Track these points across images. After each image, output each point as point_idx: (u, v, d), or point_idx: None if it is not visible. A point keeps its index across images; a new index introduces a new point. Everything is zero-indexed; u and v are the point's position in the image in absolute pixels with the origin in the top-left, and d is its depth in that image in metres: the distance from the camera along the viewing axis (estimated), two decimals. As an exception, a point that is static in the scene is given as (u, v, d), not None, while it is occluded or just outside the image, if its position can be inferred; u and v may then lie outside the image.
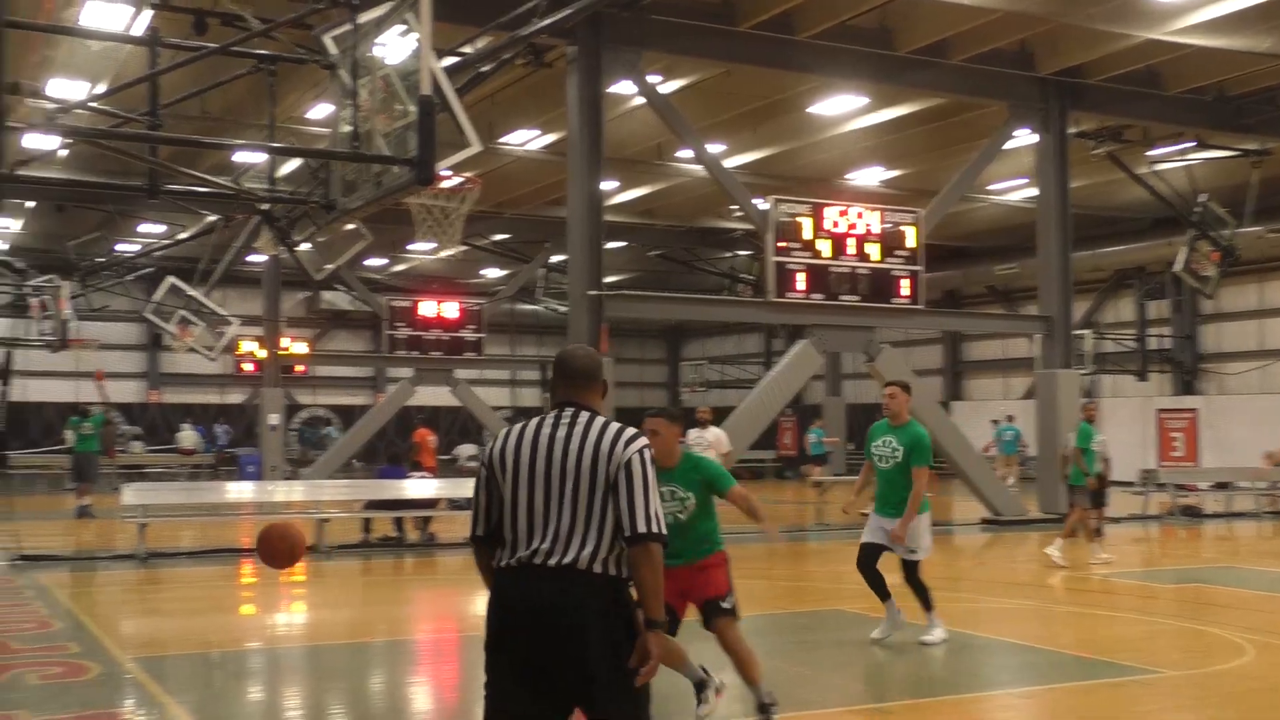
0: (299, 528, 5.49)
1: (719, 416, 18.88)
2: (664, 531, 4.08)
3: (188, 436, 36.59)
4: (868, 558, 9.52)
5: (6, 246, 33.21)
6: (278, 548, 5.38)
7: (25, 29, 12.52)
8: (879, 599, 9.58)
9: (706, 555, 6.91)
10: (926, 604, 9.52)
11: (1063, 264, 22.40)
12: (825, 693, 8.35)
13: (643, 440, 4.17)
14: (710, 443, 15.94)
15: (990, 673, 9.31)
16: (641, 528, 4.03)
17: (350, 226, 19.15)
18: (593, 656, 3.96)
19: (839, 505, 23.36)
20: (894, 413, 9.46)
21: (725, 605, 6.84)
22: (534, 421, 4.28)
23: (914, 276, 20.69)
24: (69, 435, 34.11)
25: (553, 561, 4.01)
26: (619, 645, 4.01)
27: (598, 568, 4.02)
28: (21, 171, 11.12)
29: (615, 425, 4.21)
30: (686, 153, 23.89)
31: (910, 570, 9.46)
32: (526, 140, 24.51)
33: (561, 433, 4.18)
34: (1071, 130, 22.41)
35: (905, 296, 20.59)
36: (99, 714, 7.69)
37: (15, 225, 32.14)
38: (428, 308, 32.22)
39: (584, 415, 4.23)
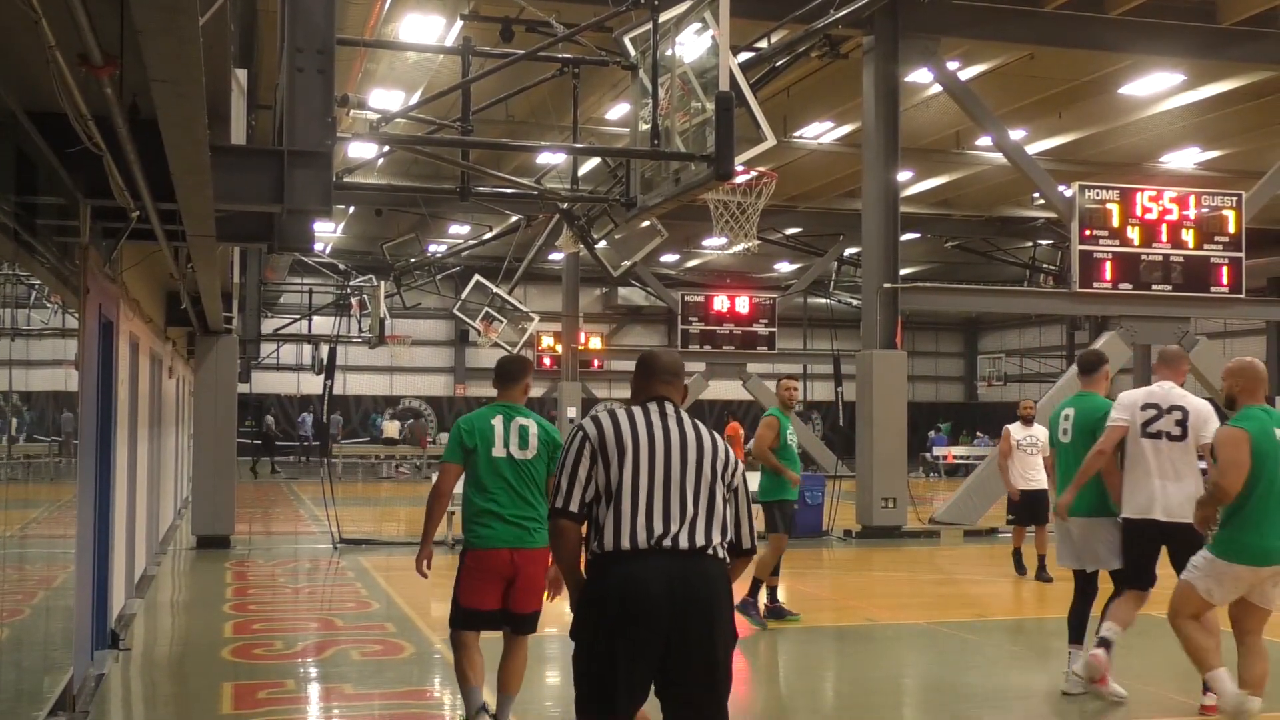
0: None
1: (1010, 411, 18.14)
2: None
3: (391, 426, 37.54)
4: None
5: (328, 249, 35.46)
6: None
7: (351, 45, 13.36)
8: (1078, 640, 7.99)
9: None
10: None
11: None
12: (1136, 703, 7.91)
13: None
14: (1042, 444, 13.39)
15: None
16: (755, 543, 4.46)
17: (646, 223, 19.50)
18: (720, 635, 4.15)
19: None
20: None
21: None
22: (635, 411, 4.33)
23: (1235, 264, 19.58)
24: (386, 426, 36.34)
25: (685, 544, 4.12)
26: (732, 626, 4.24)
27: (720, 553, 4.23)
28: (346, 179, 11.85)
29: (708, 429, 4.44)
30: (985, 140, 23.24)
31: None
32: (820, 133, 24.40)
33: (673, 424, 4.29)
34: None
35: (1224, 285, 19.53)
36: (413, 691, 8.11)
37: (336, 229, 34.30)
38: (720, 302, 32.45)
39: (684, 413, 4.40)
